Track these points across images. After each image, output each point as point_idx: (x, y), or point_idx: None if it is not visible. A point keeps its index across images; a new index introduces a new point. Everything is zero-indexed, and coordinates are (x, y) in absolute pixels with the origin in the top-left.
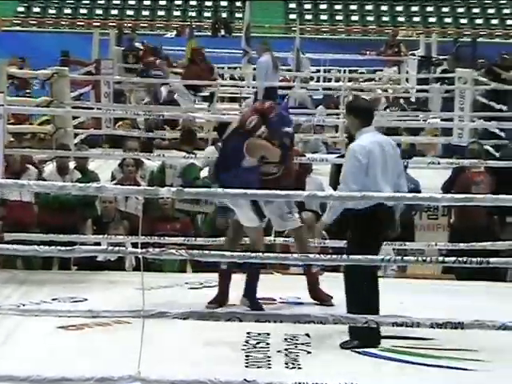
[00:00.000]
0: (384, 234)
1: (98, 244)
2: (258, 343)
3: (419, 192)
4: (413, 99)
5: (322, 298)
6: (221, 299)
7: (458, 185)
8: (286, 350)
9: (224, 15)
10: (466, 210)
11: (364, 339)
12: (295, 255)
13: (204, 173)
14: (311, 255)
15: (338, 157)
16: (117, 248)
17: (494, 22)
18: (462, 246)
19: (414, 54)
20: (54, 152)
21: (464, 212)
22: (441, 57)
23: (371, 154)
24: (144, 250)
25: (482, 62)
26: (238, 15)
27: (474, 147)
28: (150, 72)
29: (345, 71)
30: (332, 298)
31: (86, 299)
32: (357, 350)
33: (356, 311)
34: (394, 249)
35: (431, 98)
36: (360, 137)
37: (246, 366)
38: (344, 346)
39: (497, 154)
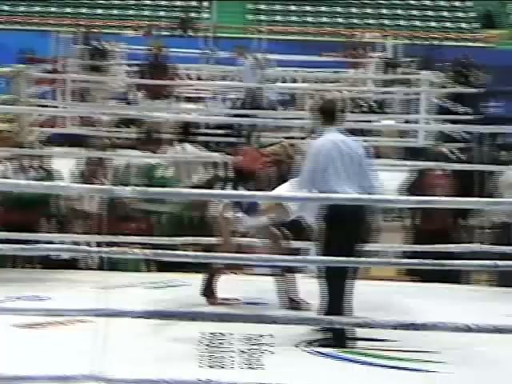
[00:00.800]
0: (351, 234)
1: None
2: (221, 343)
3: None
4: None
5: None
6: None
7: (417, 188)
8: (249, 350)
9: (189, 15)
10: (425, 212)
11: (337, 338)
12: (259, 255)
13: (168, 173)
14: (275, 256)
15: None
16: (81, 247)
17: (458, 25)
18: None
19: (377, 57)
20: (15, 150)
21: (423, 215)
22: (407, 59)
23: (324, 152)
24: (108, 249)
25: (448, 64)
26: (203, 15)
27: (435, 150)
28: None
29: (311, 72)
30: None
31: (49, 298)
32: (319, 351)
33: (328, 311)
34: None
35: (394, 100)
36: (319, 137)
37: (210, 366)
38: (316, 343)
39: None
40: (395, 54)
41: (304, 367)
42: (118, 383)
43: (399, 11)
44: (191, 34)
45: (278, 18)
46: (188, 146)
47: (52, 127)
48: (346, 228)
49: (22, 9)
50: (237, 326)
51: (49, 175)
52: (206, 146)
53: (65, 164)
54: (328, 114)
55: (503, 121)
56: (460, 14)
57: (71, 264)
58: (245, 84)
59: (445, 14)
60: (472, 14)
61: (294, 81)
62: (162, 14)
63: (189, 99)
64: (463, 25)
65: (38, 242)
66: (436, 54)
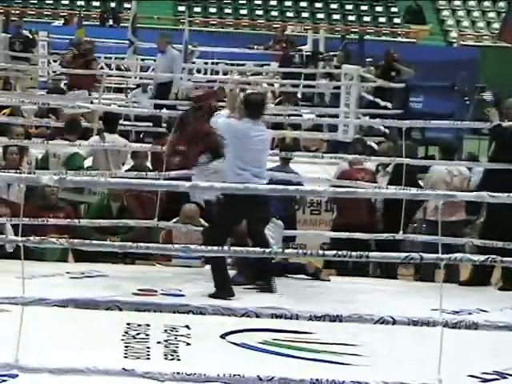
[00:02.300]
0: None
1: None
2: (137, 334)
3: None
4: (299, 95)
5: None
6: None
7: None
8: (165, 341)
9: (112, 5)
10: (348, 206)
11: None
12: (176, 246)
13: (88, 162)
14: (192, 246)
15: None
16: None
17: (382, 20)
18: (344, 236)
19: (301, 50)
20: None
21: (346, 208)
22: (331, 53)
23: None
24: (25, 238)
25: (370, 60)
26: (126, 5)
27: (357, 144)
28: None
29: (232, 64)
30: None
31: None
32: (236, 342)
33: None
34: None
35: (320, 94)
36: None
37: (125, 357)
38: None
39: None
40: (315, 47)
41: (221, 358)
42: (36, 372)
43: (318, 4)
44: (112, 24)
45: (200, 9)
46: (110, 136)
47: None
48: (234, 210)
49: None
50: (154, 316)
51: None
52: (129, 136)
53: None
54: (258, 108)
55: (423, 116)
56: (380, 9)
57: None
58: (169, 75)
59: (364, 8)
60: (394, 9)
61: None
62: (95, 4)
63: (112, 89)
64: (383, 19)
65: None
66: (357, 49)
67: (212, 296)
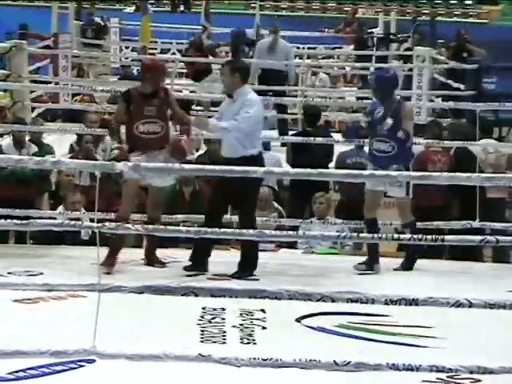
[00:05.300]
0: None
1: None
2: (213, 318)
3: None
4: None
5: (156, 262)
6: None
7: (415, 163)
8: (241, 325)
9: None
10: (423, 189)
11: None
12: (251, 231)
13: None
14: (267, 231)
15: (294, 134)
16: (73, 222)
17: (453, 1)
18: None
19: (372, 32)
20: (11, 126)
21: (421, 191)
22: (404, 34)
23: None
24: (100, 225)
25: (442, 41)
26: None
27: (433, 126)
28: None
29: (304, 48)
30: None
31: (41, 273)
32: (312, 326)
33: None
34: (349, 226)
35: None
36: (248, 92)
37: (201, 341)
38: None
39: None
40: (386, 30)
41: (297, 342)
42: (113, 358)
43: None
44: (183, 10)
45: None
46: None
47: (54, 103)
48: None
49: None
50: (229, 301)
51: (41, 150)
52: None
53: (57, 139)
54: (246, 72)
55: (497, 96)
56: None
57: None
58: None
59: None
60: None
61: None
62: None
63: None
64: (454, 1)
65: (30, 217)
66: (428, 30)
67: (236, 275)
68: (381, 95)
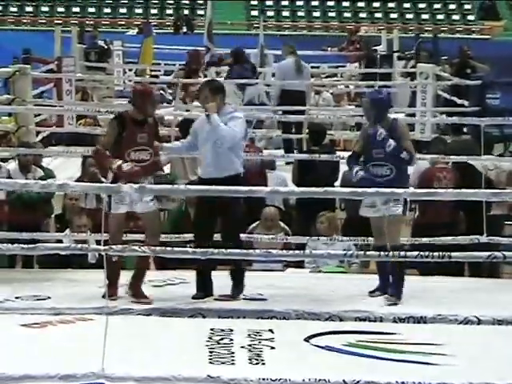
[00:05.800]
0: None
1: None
2: (221, 339)
3: None
4: None
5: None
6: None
7: (420, 180)
8: (249, 345)
9: (186, 12)
10: (429, 205)
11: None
12: (257, 251)
13: (165, 169)
14: (273, 251)
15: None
16: (79, 245)
17: (455, 17)
18: (424, 240)
19: (375, 50)
20: (16, 150)
21: (427, 208)
22: (406, 52)
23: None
24: (107, 247)
25: (445, 58)
26: (199, 12)
27: (438, 142)
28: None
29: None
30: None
31: (49, 297)
32: (320, 345)
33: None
34: (356, 244)
35: (397, 94)
36: (232, 109)
37: (210, 362)
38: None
39: None
40: (389, 47)
41: (306, 361)
42: (121, 381)
43: (391, 4)
44: (186, 31)
45: (272, 13)
46: None
47: (58, 127)
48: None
49: (29, 9)
50: (237, 322)
51: (47, 174)
52: None
53: (61, 163)
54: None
55: (501, 112)
56: (453, 6)
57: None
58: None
59: (438, 6)
60: (467, 6)
61: None
62: (168, 12)
63: None
64: (456, 17)
65: (37, 241)
66: (431, 47)
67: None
68: (376, 116)
